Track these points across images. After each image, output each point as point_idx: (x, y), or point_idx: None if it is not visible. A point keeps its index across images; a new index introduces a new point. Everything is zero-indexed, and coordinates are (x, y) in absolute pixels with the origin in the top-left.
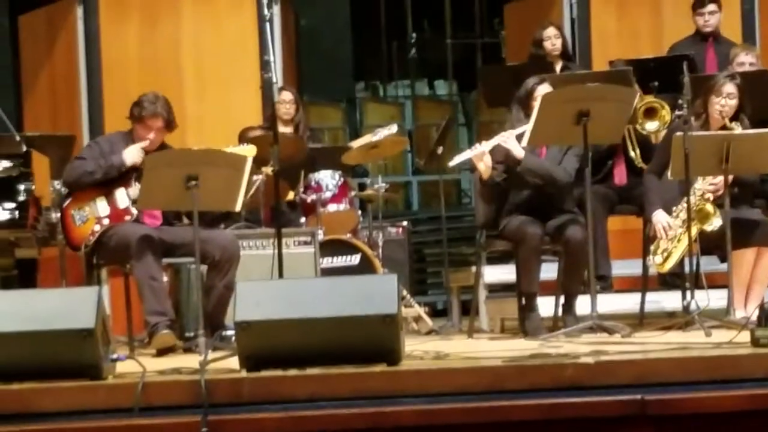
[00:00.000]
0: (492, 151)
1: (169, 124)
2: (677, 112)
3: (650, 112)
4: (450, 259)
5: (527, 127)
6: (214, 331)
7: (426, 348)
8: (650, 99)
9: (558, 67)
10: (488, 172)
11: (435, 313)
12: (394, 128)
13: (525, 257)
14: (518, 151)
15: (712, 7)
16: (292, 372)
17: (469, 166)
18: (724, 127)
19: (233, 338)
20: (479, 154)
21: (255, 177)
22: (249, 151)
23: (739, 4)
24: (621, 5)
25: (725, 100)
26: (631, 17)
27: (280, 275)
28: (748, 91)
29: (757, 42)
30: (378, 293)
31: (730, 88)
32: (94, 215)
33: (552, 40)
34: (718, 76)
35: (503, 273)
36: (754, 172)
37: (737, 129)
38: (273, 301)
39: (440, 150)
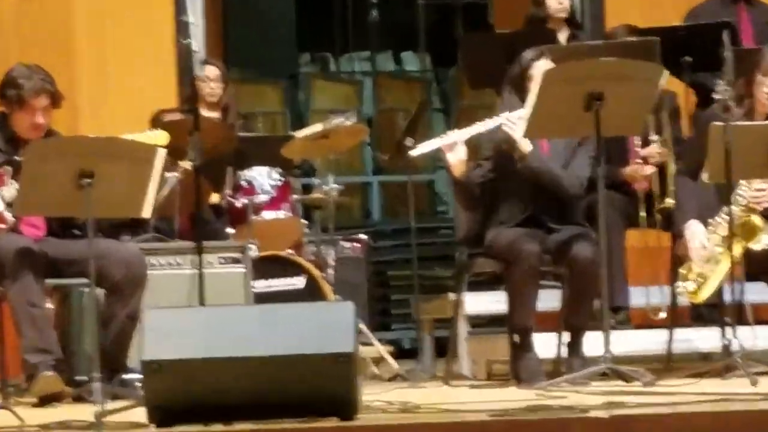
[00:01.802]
0: (478, 142)
1: (56, 99)
2: (716, 96)
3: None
4: (421, 283)
5: (522, 115)
6: (113, 375)
7: (390, 398)
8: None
9: (563, 36)
10: (461, 169)
11: (401, 353)
12: (350, 114)
13: (519, 282)
14: (525, 144)
15: None
16: (216, 428)
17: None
18: None
19: (139, 383)
20: (451, 144)
21: (169, 174)
22: (161, 139)
23: None
24: None
25: None
26: None
27: (201, 302)
28: None
29: None
30: (328, 327)
31: None
32: None
33: None
34: (765, 49)
35: (490, 302)
36: None
37: None
38: (191, 335)
39: (409, 142)
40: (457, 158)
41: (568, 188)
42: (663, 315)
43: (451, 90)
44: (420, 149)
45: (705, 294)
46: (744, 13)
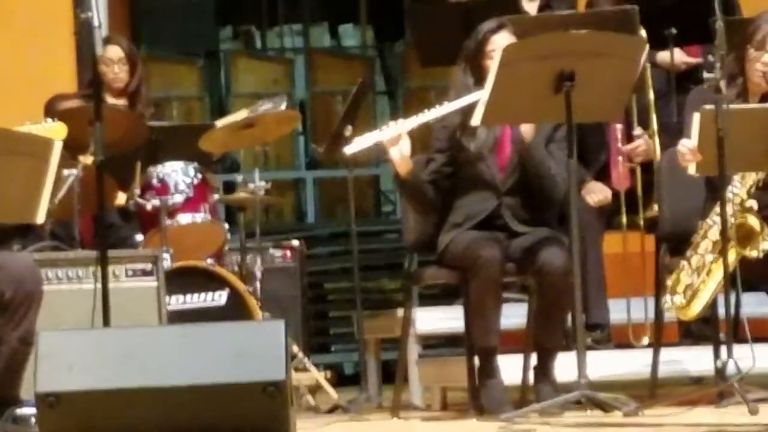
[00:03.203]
0: (430, 132)
1: None
2: (705, 74)
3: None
4: (364, 297)
5: (479, 97)
6: (3, 409)
7: None
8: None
9: (534, 4)
10: (406, 166)
11: (342, 379)
12: (279, 99)
13: (478, 294)
14: (527, 130)
15: None
16: None
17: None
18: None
19: (33, 419)
20: (394, 137)
21: (67, 171)
22: (57, 131)
23: None
24: None
25: None
26: None
27: (106, 322)
28: None
29: None
30: (255, 350)
31: None
32: None
33: None
34: (759, 19)
35: (445, 318)
36: None
37: None
38: (94, 362)
39: (348, 131)
40: (401, 154)
41: (561, 191)
42: (646, 341)
43: (398, 69)
44: (357, 145)
45: (696, 308)
46: None
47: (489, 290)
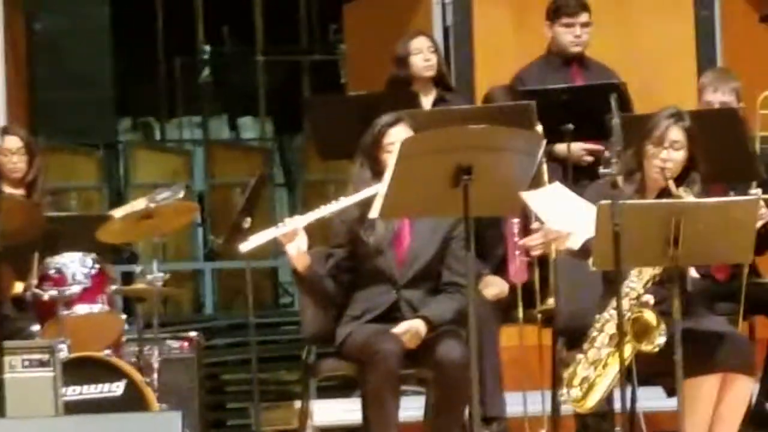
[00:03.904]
0: (329, 225)
1: None
2: (602, 170)
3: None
4: (262, 389)
5: (377, 190)
6: None
7: None
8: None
9: (429, 98)
10: (303, 262)
11: None
12: (177, 189)
13: (376, 387)
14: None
15: (585, 16)
16: None
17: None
18: (665, 192)
19: None
20: (290, 232)
21: None
22: None
23: (692, 7)
24: (520, 4)
25: (668, 152)
26: (537, 23)
27: (2, 413)
28: (703, 137)
29: (719, 63)
30: None
31: (675, 134)
32: None
33: (425, 54)
34: (657, 116)
35: (343, 410)
36: (714, 262)
37: (687, 195)
38: None
39: (247, 223)
40: (298, 250)
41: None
42: None
43: (297, 161)
44: (252, 242)
45: (592, 402)
46: (579, 76)
47: (387, 383)
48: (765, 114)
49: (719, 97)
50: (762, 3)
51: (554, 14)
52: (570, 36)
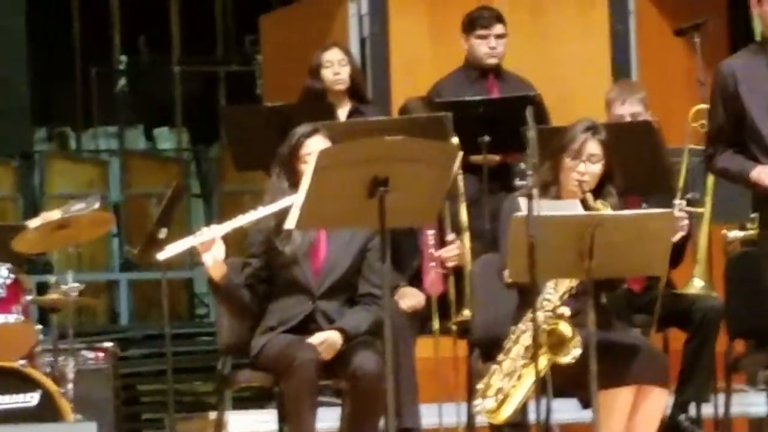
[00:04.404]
0: (245, 236)
1: None
2: (518, 182)
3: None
4: (177, 400)
5: (294, 201)
6: None
7: None
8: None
9: (344, 109)
10: (219, 271)
11: None
12: (93, 199)
13: (292, 397)
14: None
15: (499, 28)
16: None
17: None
18: (583, 205)
19: None
20: (207, 242)
21: None
22: None
23: (608, 23)
24: (437, 17)
25: (585, 165)
26: (453, 35)
27: None
28: (620, 150)
29: (634, 76)
30: None
31: (592, 147)
32: None
33: (335, 68)
34: (574, 129)
35: (258, 422)
36: (630, 275)
37: (604, 208)
38: None
39: (163, 233)
40: (215, 259)
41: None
42: None
43: (213, 172)
44: (169, 251)
45: (506, 413)
46: (496, 88)
47: (305, 392)
48: (695, 127)
49: (628, 108)
50: (677, 16)
51: (469, 26)
52: (485, 48)
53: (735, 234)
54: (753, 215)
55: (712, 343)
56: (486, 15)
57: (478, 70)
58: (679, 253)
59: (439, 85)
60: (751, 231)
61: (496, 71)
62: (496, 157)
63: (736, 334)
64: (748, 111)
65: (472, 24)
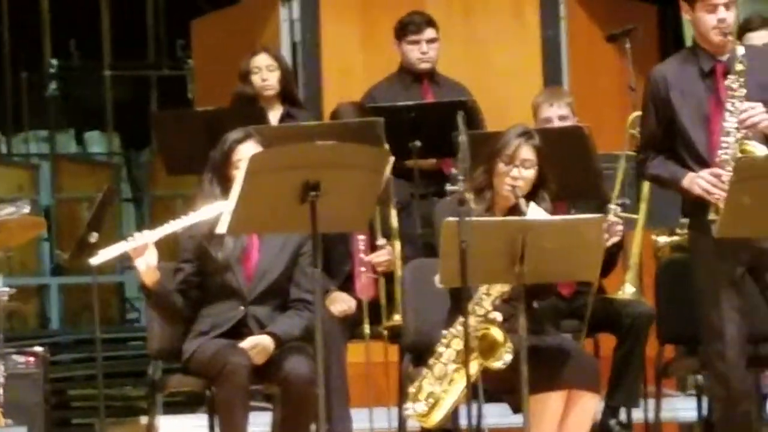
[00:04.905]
0: (177, 242)
1: None
2: (449, 187)
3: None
4: (108, 404)
5: (226, 206)
6: None
7: None
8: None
9: (276, 114)
10: (152, 276)
11: None
12: (23, 203)
13: (224, 402)
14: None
15: (431, 32)
16: None
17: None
18: (516, 210)
19: None
20: (140, 247)
21: None
22: None
23: (538, 27)
24: (369, 23)
25: (519, 170)
26: (385, 40)
27: None
28: (552, 156)
29: (565, 82)
30: None
31: (526, 152)
32: None
33: (263, 73)
34: (508, 134)
35: (190, 426)
36: (561, 280)
37: (529, 207)
38: None
39: (94, 238)
40: (147, 264)
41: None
42: None
43: (144, 176)
44: (102, 256)
45: (437, 417)
46: (430, 93)
47: (237, 397)
48: (633, 133)
49: (556, 110)
50: (607, 23)
51: (401, 32)
52: (417, 53)
53: (665, 240)
54: (683, 221)
55: (641, 349)
56: (417, 20)
57: (412, 75)
58: (612, 258)
59: (374, 91)
60: (681, 236)
61: (431, 76)
62: (433, 161)
63: (667, 339)
64: (679, 117)
65: (404, 29)
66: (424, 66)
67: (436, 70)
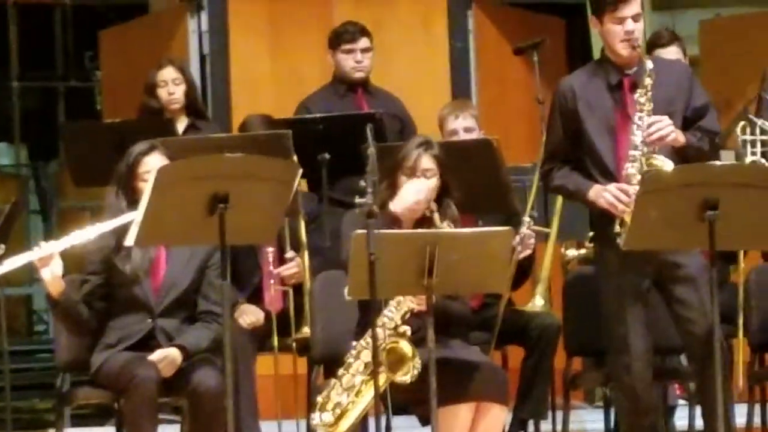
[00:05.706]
0: (83, 253)
1: None
2: (358, 199)
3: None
4: (15, 417)
5: (133, 218)
6: None
7: None
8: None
9: (181, 126)
10: (57, 287)
11: None
12: None
13: (133, 414)
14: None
15: (365, 42)
16: None
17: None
18: (423, 222)
19: None
20: (46, 257)
21: None
22: None
23: (446, 39)
24: (277, 34)
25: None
26: (293, 52)
27: None
28: (454, 166)
29: (473, 95)
30: None
31: (426, 162)
32: None
33: (169, 87)
34: (407, 146)
35: None
36: (470, 291)
37: (444, 225)
38: None
39: (1, 250)
40: (53, 274)
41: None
42: None
43: (52, 188)
44: (7, 266)
45: (343, 427)
46: (364, 102)
47: (145, 409)
48: None
49: (462, 122)
50: (515, 35)
51: (335, 41)
52: (351, 62)
53: (573, 252)
54: (590, 234)
55: (549, 361)
56: (351, 29)
57: (346, 85)
58: (524, 271)
59: (308, 101)
60: (589, 250)
61: (365, 86)
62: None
63: (574, 351)
64: (586, 128)
65: (338, 38)
66: (359, 75)
67: (369, 80)
